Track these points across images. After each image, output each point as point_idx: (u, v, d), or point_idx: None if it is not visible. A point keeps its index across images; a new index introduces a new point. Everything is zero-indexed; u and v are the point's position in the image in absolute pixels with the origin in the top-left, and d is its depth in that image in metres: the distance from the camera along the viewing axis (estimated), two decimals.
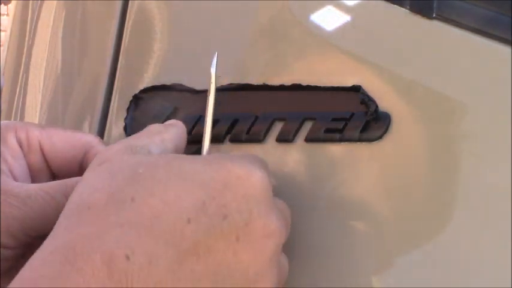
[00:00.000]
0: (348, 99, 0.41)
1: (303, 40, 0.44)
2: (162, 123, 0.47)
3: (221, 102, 0.46)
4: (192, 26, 0.50)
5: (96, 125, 0.54)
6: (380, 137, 0.40)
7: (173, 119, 0.47)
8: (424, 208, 0.38)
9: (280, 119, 0.43)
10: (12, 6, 0.96)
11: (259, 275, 0.35)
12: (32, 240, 0.39)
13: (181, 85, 0.48)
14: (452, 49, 0.39)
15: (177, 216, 0.33)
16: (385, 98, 0.40)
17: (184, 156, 0.37)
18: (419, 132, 0.39)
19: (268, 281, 0.36)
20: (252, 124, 0.44)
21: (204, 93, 0.47)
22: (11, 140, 0.43)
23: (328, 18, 0.43)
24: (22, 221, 0.38)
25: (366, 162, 0.40)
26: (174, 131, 0.41)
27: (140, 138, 0.39)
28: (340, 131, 0.41)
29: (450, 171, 0.38)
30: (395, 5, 0.41)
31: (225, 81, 0.46)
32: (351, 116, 0.41)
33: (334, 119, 0.41)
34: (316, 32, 0.44)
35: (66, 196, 0.38)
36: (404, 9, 0.41)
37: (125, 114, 0.50)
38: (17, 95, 0.77)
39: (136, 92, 0.50)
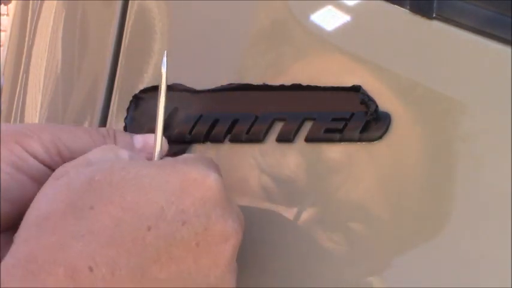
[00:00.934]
0: (348, 99, 0.41)
1: (303, 40, 0.44)
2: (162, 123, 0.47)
3: (221, 102, 0.46)
4: (192, 26, 0.50)
5: (96, 125, 0.54)
6: (380, 137, 0.40)
7: (173, 119, 0.47)
8: (424, 208, 0.38)
9: (280, 119, 0.43)
10: (12, 6, 0.96)
11: (219, 279, 0.35)
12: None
13: (181, 85, 0.48)
14: (452, 49, 0.39)
15: (137, 224, 0.33)
16: (385, 98, 0.40)
17: (138, 161, 0.37)
18: (419, 132, 0.39)
19: (228, 283, 0.36)
20: (252, 124, 0.44)
21: (204, 93, 0.47)
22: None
23: (328, 18, 0.43)
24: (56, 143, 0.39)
25: (365, 162, 0.40)
26: (126, 142, 0.42)
27: (95, 154, 0.38)
28: (340, 131, 0.41)
29: (450, 172, 0.38)
30: (395, 5, 0.41)
31: (225, 81, 0.46)
32: (351, 116, 0.41)
33: (334, 119, 0.41)
34: (316, 32, 0.44)
35: (97, 131, 0.40)
36: (404, 9, 0.41)
37: (125, 114, 0.50)
38: (17, 95, 0.77)
39: (136, 92, 0.50)
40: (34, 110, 0.69)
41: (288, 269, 0.42)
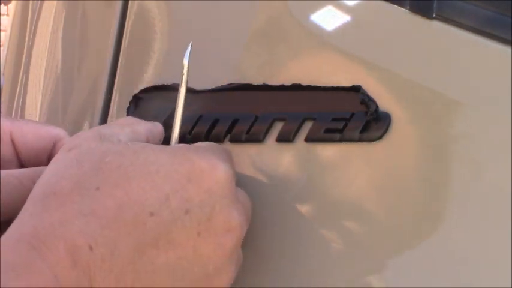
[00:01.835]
0: (348, 99, 0.41)
1: (303, 40, 0.44)
2: (162, 123, 0.47)
3: (221, 102, 0.46)
4: (192, 26, 0.50)
5: (96, 125, 0.54)
6: (380, 137, 0.40)
7: (173, 119, 0.47)
8: (424, 208, 0.38)
9: (280, 119, 0.43)
10: (12, 6, 0.96)
11: (218, 270, 0.36)
12: None
13: None
14: (452, 49, 0.39)
15: (140, 208, 0.33)
16: (385, 98, 0.40)
17: (151, 146, 0.37)
18: (419, 132, 0.39)
19: (226, 276, 0.36)
20: (252, 124, 0.44)
21: (204, 93, 0.47)
22: None
23: (328, 18, 0.43)
24: None
25: (366, 162, 0.40)
26: (148, 125, 0.41)
27: (111, 127, 0.39)
28: (340, 131, 0.41)
29: (450, 172, 0.38)
30: (395, 5, 0.41)
31: (225, 81, 0.46)
32: (351, 116, 0.41)
33: (334, 119, 0.41)
34: (316, 32, 0.44)
35: (33, 181, 0.38)
36: (404, 9, 0.41)
37: (124, 114, 0.50)
38: (17, 95, 0.77)
39: (137, 92, 0.50)
40: (34, 110, 0.69)
41: (293, 270, 0.42)
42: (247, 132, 0.44)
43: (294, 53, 0.45)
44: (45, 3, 0.72)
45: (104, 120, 0.53)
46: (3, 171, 0.40)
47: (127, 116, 0.49)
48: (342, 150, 0.41)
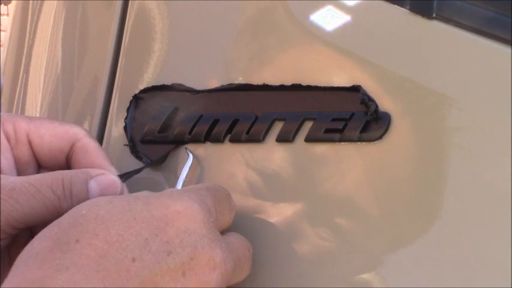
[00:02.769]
0: (348, 99, 0.41)
1: (303, 40, 0.44)
2: (162, 123, 0.47)
3: (221, 102, 0.46)
4: (192, 26, 0.50)
5: (96, 125, 0.54)
6: (380, 137, 0.40)
7: (173, 119, 0.47)
8: (424, 207, 0.38)
9: (280, 119, 0.43)
10: (12, 6, 0.96)
11: None
12: (17, 231, 0.39)
13: (181, 85, 0.48)
14: (452, 49, 0.39)
15: (121, 255, 0.34)
16: (385, 98, 0.40)
17: (125, 196, 0.38)
18: (419, 132, 0.39)
19: None
20: (252, 124, 0.44)
21: (204, 93, 0.47)
22: None
23: (328, 18, 0.43)
24: (7, 214, 0.38)
25: (365, 162, 0.40)
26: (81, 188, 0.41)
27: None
28: (340, 131, 0.41)
29: (450, 172, 0.38)
30: (395, 5, 0.41)
31: (225, 81, 0.46)
32: (351, 116, 0.41)
33: (334, 119, 0.41)
34: (316, 32, 0.44)
35: (52, 189, 0.39)
36: (404, 9, 0.41)
37: (125, 114, 0.50)
38: (17, 95, 0.77)
39: (136, 92, 0.50)
40: (34, 110, 0.69)
41: (292, 270, 0.42)
42: (247, 132, 0.44)
43: (294, 53, 0.45)
44: (45, 3, 0.72)
45: (104, 120, 0.53)
46: (21, 179, 0.40)
47: (127, 115, 0.49)
48: (342, 150, 0.41)
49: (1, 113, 0.44)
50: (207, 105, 0.46)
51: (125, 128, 0.49)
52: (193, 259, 0.35)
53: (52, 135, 0.44)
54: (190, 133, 0.46)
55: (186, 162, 0.45)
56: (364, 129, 0.40)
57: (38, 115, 0.67)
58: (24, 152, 0.43)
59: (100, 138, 0.53)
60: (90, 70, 0.58)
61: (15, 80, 0.79)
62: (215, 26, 0.49)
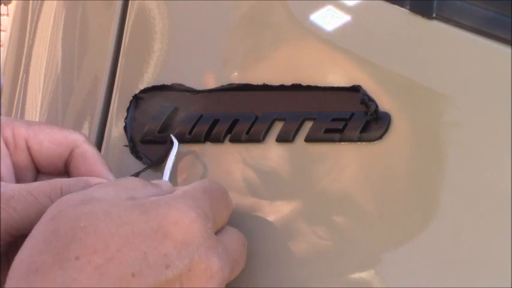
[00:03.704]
0: (348, 99, 0.41)
1: (302, 40, 0.44)
2: (162, 123, 0.47)
3: (221, 102, 0.46)
4: (192, 26, 0.50)
5: (96, 125, 0.54)
6: (380, 137, 0.40)
7: (173, 119, 0.47)
8: (424, 207, 0.38)
9: (280, 119, 0.43)
10: (12, 6, 0.96)
11: None
12: (14, 239, 0.39)
13: (181, 85, 0.48)
14: (452, 49, 0.39)
15: (121, 272, 0.34)
16: (385, 98, 0.40)
17: (122, 203, 0.37)
18: (419, 132, 0.39)
19: None
20: (252, 124, 0.44)
21: (204, 93, 0.47)
22: None
23: (328, 18, 0.43)
24: (5, 221, 0.38)
25: (365, 162, 0.40)
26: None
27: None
28: (340, 131, 0.41)
29: (450, 172, 0.38)
30: (395, 5, 0.41)
31: (225, 81, 0.46)
32: (351, 116, 0.41)
33: (334, 119, 0.41)
34: (316, 32, 0.44)
35: (50, 197, 0.39)
36: (404, 9, 0.41)
37: (125, 114, 0.50)
38: (17, 95, 0.77)
39: (136, 92, 0.50)
40: (34, 110, 0.69)
41: (291, 271, 0.42)
42: (247, 132, 0.44)
43: (294, 53, 0.45)
44: (45, 3, 0.72)
45: (104, 120, 0.53)
46: (19, 186, 0.40)
47: (127, 115, 0.49)
48: (341, 150, 0.41)
49: (0, 118, 0.43)
50: (207, 105, 0.46)
51: (125, 128, 0.49)
52: (190, 270, 0.35)
53: (51, 141, 0.43)
54: (190, 133, 0.46)
55: (171, 150, 0.44)
56: (364, 129, 0.40)
57: (38, 115, 0.67)
58: (23, 158, 0.43)
59: (100, 138, 0.53)
60: (90, 70, 0.58)
61: (15, 80, 0.79)
62: (215, 26, 0.49)
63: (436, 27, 0.40)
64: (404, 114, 0.40)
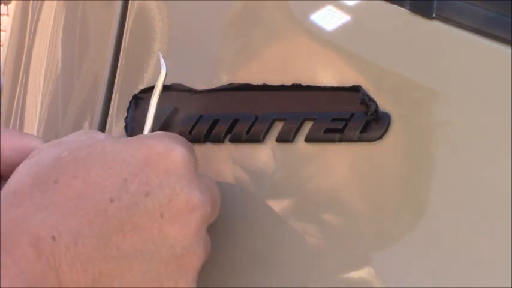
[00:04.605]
0: (348, 99, 0.41)
1: (302, 40, 0.44)
2: (162, 123, 0.47)
3: (221, 102, 0.46)
4: (192, 26, 0.50)
5: (96, 125, 0.54)
6: (380, 137, 0.40)
7: (173, 119, 0.47)
8: (425, 207, 0.38)
9: (280, 119, 0.43)
10: (12, 6, 0.96)
11: (186, 249, 0.36)
12: None
13: (181, 85, 0.48)
14: (452, 49, 0.39)
15: (99, 196, 0.34)
16: (385, 98, 0.40)
17: (107, 138, 0.38)
18: (419, 132, 0.39)
19: (195, 254, 0.37)
20: (252, 124, 0.44)
21: (204, 93, 0.47)
22: None
23: (328, 18, 0.43)
24: None
25: (365, 162, 0.40)
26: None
27: (70, 136, 0.40)
28: (340, 131, 0.41)
29: (450, 172, 0.38)
30: (395, 5, 0.41)
31: (225, 81, 0.46)
32: (351, 116, 0.41)
33: (334, 119, 0.41)
34: (316, 32, 0.44)
35: None
36: (404, 9, 0.41)
37: (125, 114, 0.50)
38: (17, 95, 0.77)
39: (136, 92, 0.50)
40: (34, 110, 0.69)
41: (289, 269, 0.42)
42: (247, 132, 0.44)
43: (294, 53, 0.45)
44: (45, 3, 0.72)
45: (104, 120, 0.53)
46: None
47: (127, 115, 0.49)
48: (341, 150, 0.41)
49: None
50: (207, 105, 0.46)
51: (125, 128, 0.49)
52: (171, 200, 0.35)
53: (12, 149, 0.43)
54: (190, 133, 0.46)
55: (159, 77, 0.43)
56: (364, 129, 0.40)
57: (38, 115, 0.67)
58: None
59: None
60: (90, 70, 0.58)
61: (15, 80, 0.79)
62: (215, 26, 0.49)
63: (436, 27, 0.40)
64: (405, 114, 0.40)
